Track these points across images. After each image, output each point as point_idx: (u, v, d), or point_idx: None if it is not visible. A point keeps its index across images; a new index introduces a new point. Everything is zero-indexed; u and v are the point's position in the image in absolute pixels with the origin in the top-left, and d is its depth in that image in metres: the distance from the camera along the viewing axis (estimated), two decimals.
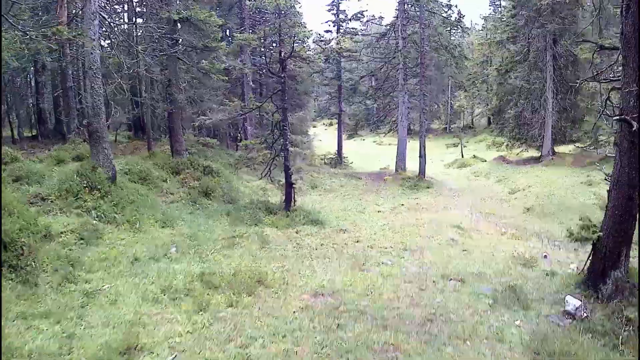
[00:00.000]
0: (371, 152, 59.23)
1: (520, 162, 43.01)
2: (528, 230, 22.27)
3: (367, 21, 52.54)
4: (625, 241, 11.16)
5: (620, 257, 11.12)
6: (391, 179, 37.44)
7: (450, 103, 69.32)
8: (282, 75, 21.81)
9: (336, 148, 50.37)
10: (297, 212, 21.71)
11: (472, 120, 74.19)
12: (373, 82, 47.24)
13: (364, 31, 50.49)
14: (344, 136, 67.91)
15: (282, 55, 21.74)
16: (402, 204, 27.57)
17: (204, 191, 22.94)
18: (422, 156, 37.96)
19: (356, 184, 35.88)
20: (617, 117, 10.67)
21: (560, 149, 42.84)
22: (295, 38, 21.71)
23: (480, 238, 19.76)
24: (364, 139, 69.01)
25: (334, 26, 49.15)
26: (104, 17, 19.60)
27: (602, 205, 20.56)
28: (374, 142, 66.64)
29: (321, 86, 53.75)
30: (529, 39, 41.30)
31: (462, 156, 51.48)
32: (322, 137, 59.94)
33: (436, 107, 73.40)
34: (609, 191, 11.66)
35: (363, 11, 48.90)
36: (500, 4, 71.28)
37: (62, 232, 13.35)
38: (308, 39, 25.77)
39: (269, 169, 22.95)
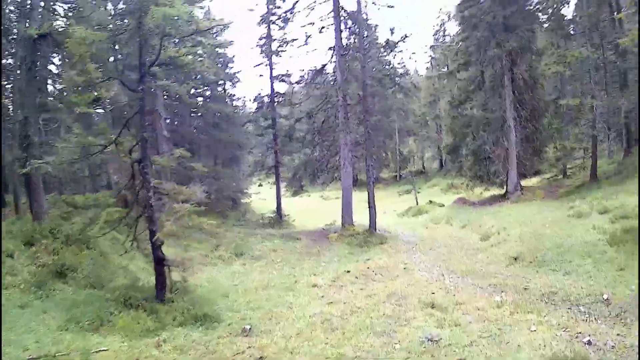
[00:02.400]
0: (316, 207, 51.93)
1: (484, 202, 36.29)
2: (531, 292, 14.95)
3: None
4: None
5: None
6: (336, 237, 30.08)
7: (399, 149, 63.41)
8: (141, 88, 14.22)
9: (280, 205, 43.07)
10: (176, 302, 14.01)
11: (423, 165, 68.06)
12: (312, 126, 40.25)
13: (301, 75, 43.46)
14: (288, 193, 61.68)
15: (142, 58, 14.24)
16: (348, 270, 19.89)
17: (59, 270, 15.27)
18: (372, 206, 30.77)
19: (293, 247, 28.39)
20: None
21: (525, 182, 36.63)
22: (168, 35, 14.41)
23: (472, 322, 12.41)
24: (310, 194, 61.96)
25: (266, 67, 42.31)
26: None
27: (612, 241, 17.36)
28: (321, 196, 59.05)
29: (257, 137, 46.38)
30: (483, 63, 35.49)
31: (417, 203, 44.68)
32: (266, 195, 53.12)
33: (385, 155, 67.89)
34: None
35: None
36: (445, 33, 65.57)
37: None
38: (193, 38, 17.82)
39: (134, 234, 15.11)
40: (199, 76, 39.44)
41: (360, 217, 32.91)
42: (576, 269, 16.61)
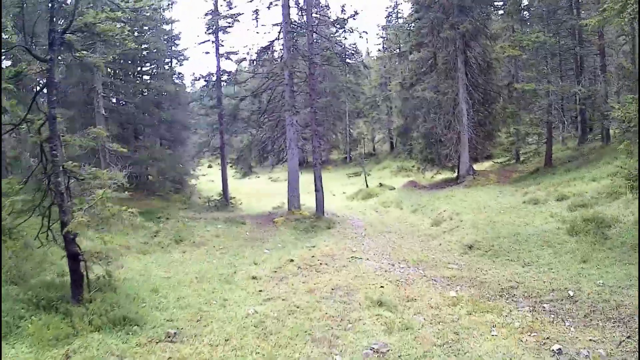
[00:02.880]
0: (265, 189, 49.48)
1: (436, 185, 35.07)
2: (489, 286, 13.48)
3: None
4: None
5: None
6: (282, 221, 28.25)
7: (349, 131, 61.78)
8: (50, 57, 11.88)
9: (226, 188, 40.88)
10: (95, 303, 11.73)
11: (374, 147, 66.40)
12: (258, 106, 37.86)
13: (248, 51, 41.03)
14: (237, 175, 59.36)
15: (53, 24, 11.98)
16: (292, 259, 18.03)
17: None
18: (319, 189, 29.00)
19: (238, 232, 26.43)
20: None
21: (477, 167, 35.56)
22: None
23: (424, 325, 10.81)
24: (259, 176, 60.11)
25: (212, 44, 39.74)
26: None
27: (572, 230, 16.36)
28: (269, 178, 57.34)
29: (203, 117, 43.73)
30: (436, 44, 34.02)
31: (367, 186, 43.07)
32: (215, 177, 49.77)
33: (334, 136, 66.17)
34: None
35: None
36: (398, 15, 63.53)
37: None
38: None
39: (48, 225, 12.91)
40: (144, 53, 36.78)
41: (308, 200, 31.33)
42: (536, 260, 15.32)
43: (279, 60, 31.86)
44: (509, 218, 20.07)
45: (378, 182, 44.14)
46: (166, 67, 43.12)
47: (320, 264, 17.22)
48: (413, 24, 38.37)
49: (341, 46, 31.83)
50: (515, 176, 31.45)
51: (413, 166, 40.63)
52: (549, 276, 13.72)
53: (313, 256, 18.50)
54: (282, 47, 30.78)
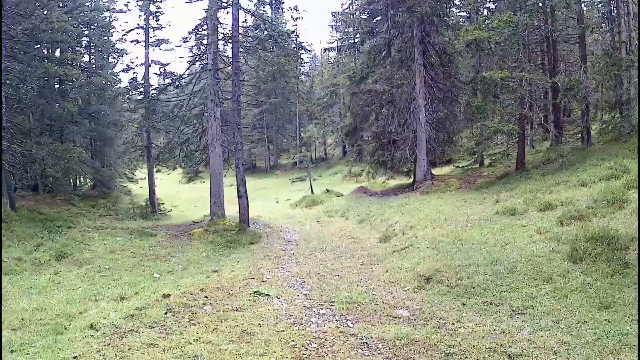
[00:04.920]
0: (203, 196, 43.96)
1: (388, 192, 29.44)
2: None
3: None
4: None
5: None
6: (199, 233, 22.26)
7: (299, 134, 56.10)
8: None
9: (171, 194, 36.32)
10: None
11: (325, 151, 60.57)
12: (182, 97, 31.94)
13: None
14: (183, 179, 53.80)
15: None
16: (169, 294, 11.52)
17: None
18: (243, 195, 22.88)
19: (140, 246, 20.45)
20: None
21: (436, 171, 30.08)
22: None
23: None
24: (204, 181, 54.10)
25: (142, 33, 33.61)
26: None
27: (574, 255, 10.89)
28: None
29: (128, 113, 37.13)
30: (390, 31, 28.57)
31: (312, 192, 37.41)
32: (164, 181, 46.71)
33: (284, 140, 60.54)
34: None
35: None
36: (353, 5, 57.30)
37: None
38: None
39: None
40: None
41: (251, 209, 25.54)
42: (530, 304, 9.44)
43: (204, 40, 25.71)
44: (480, 235, 14.16)
45: (326, 188, 38.58)
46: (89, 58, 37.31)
47: (204, 304, 10.96)
48: (365, 9, 32.70)
49: (274, 28, 25.70)
50: (480, 181, 25.81)
51: (363, 170, 34.90)
52: (557, 339, 7.94)
53: (203, 289, 12.30)
54: (206, 27, 24.71)
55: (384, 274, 13.38)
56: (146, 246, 20.74)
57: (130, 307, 11.02)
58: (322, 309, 10.48)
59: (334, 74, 54.33)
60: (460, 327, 8.91)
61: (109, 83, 36.18)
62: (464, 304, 10.06)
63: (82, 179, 39.05)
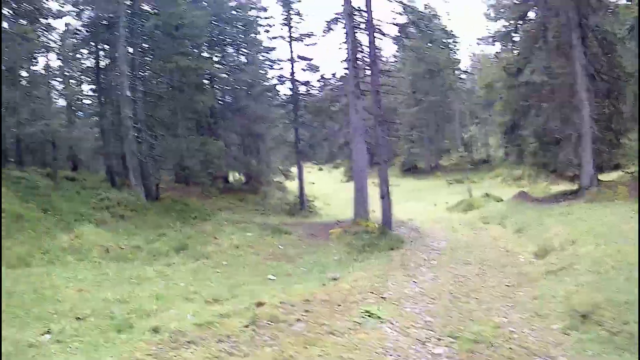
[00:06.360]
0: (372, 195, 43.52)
1: (550, 199, 26.10)
2: None
3: None
4: None
5: None
6: (338, 234, 21.01)
7: (460, 134, 53.05)
8: None
9: (327, 192, 38.67)
10: None
11: (487, 152, 56.61)
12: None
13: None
14: (343, 178, 53.55)
15: None
16: (263, 303, 9.98)
17: None
18: (384, 196, 21.28)
19: (269, 244, 19.89)
20: None
21: (602, 177, 26.02)
22: None
23: None
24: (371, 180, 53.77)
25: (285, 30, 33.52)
26: None
27: None
28: (373, 182, 50.13)
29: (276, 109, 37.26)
30: (544, 16, 25.60)
31: (470, 195, 34.73)
32: (318, 179, 46.94)
33: (446, 141, 57.74)
34: None
35: None
36: None
37: None
38: None
39: None
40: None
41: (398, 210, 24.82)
42: None
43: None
44: None
45: (485, 192, 35.69)
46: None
47: (298, 320, 9.23)
48: None
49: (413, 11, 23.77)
50: None
51: (523, 174, 31.71)
52: None
53: (307, 300, 10.67)
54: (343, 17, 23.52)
55: (532, 301, 10.65)
56: (276, 244, 20.10)
57: (214, 312, 9.88)
58: (438, 346, 8.18)
59: (491, 68, 50.53)
60: None
61: (256, 80, 36.40)
62: None
63: (235, 173, 39.88)
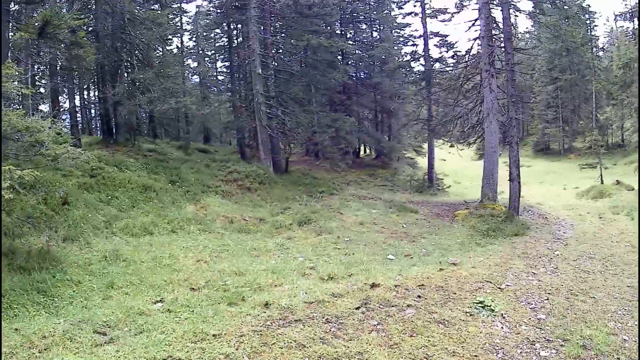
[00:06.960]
0: (501, 175, 42.62)
1: None
2: None
3: None
4: None
5: None
6: (464, 215, 21.12)
7: (595, 115, 50.05)
8: None
9: (458, 170, 38.49)
10: None
11: (622, 136, 53.08)
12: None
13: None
14: (474, 156, 52.50)
15: None
16: (379, 284, 10.89)
17: None
18: (514, 179, 20.98)
19: (392, 222, 20.24)
20: None
21: None
22: None
23: None
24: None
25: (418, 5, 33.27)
26: None
27: None
28: (504, 162, 48.47)
29: (409, 85, 37.06)
30: None
31: (602, 182, 33.00)
32: (449, 157, 46.52)
33: (581, 122, 54.69)
34: None
35: None
36: None
37: None
38: None
39: None
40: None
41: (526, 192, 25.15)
42: None
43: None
44: None
45: (617, 179, 33.69)
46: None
47: (409, 305, 9.75)
48: None
49: None
50: None
51: None
52: None
53: (422, 285, 11.14)
54: None
55: None
56: (400, 222, 20.39)
57: (327, 290, 10.41)
58: (547, 347, 8.31)
59: (628, 46, 46.93)
60: None
61: (389, 56, 36.46)
62: None
63: (367, 148, 40.35)
